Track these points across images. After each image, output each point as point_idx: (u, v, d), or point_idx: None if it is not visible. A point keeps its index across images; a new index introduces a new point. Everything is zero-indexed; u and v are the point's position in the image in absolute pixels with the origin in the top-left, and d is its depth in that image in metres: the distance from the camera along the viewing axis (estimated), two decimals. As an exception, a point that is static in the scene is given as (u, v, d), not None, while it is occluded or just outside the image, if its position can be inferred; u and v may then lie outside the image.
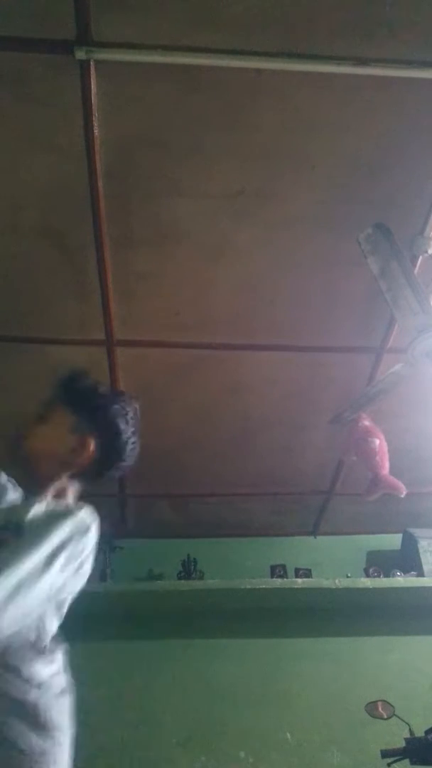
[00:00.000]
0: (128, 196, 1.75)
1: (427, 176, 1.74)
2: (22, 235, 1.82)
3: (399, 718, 2.14)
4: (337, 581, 2.78)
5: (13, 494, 1.29)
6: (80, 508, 1.20)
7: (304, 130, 1.63)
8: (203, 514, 3.10)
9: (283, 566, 3.12)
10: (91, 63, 1.46)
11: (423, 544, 3.06)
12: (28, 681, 1.07)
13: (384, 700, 2.20)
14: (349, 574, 2.95)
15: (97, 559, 1.23)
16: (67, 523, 1.13)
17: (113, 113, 1.56)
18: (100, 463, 1.33)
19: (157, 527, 3.13)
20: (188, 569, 3.03)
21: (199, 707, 2.69)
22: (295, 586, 2.80)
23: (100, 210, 1.76)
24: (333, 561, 3.19)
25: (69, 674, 1.16)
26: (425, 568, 2.97)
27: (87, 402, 1.35)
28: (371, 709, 2.19)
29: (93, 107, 1.53)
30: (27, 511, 1.16)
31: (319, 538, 3.33)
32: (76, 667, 1.18)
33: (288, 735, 2.65)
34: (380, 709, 2.17)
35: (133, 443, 1.37)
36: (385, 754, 2.05)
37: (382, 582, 2.86)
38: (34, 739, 1.04)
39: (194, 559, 3.06)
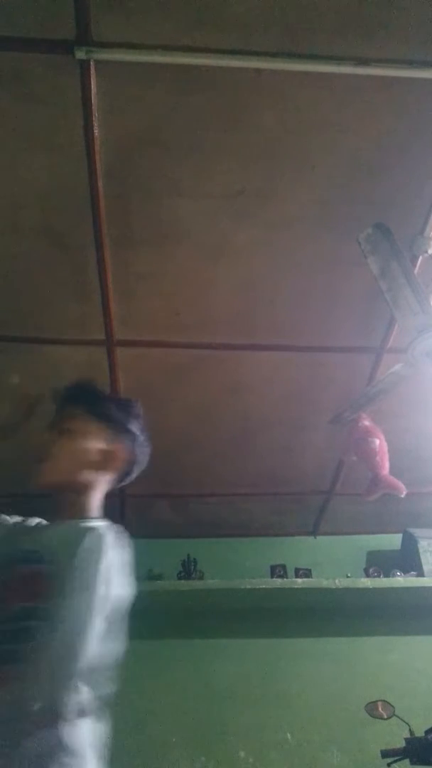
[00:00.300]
0: (128, 196, 1.75)
1: (427, 176, 1.74)
2: (22, 235, 1.82)
3: (399, 718, 2.15)
4: (337, 581, 2.78)
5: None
6: (112, 530, 1.22)
7: (304, 130, 1.62)
8: (203, 514, 3.10)
9: (283, 566, 3.12)
10: (91, 63, 1.46)
11: (423, 544, 3.06)
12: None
13: (384, 700, 2.20)
14: (349, 574, 2.95)
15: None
16: (102, 561, 1.17)
17: (113, 113, 1.56)
18: (128, 468, 1.35)
19: (157, 527, 3.12)
20: (188, 569, 3.03)
21: (199, 707, 2.69)
22: (295, 586, 2.80)
23: (100, 210, 1.75)
24: (333, 561, 3.19)
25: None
26: (425, 568, 2.96)
27: (110, 410, 1.35)
28: (371, 709, 2.19)
29: (93, 107, 1.53)
30: (58, 535, 1.17)
31: (319, 538, 3.32)
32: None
33: (288, 735, 2.65)
34: (380, 709, 2.18)
35: (146, 446, 1.40)
36: (385, 754, 2.05)
37: (382, 582, 2.86)
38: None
39: (194, 559, 3.06)
